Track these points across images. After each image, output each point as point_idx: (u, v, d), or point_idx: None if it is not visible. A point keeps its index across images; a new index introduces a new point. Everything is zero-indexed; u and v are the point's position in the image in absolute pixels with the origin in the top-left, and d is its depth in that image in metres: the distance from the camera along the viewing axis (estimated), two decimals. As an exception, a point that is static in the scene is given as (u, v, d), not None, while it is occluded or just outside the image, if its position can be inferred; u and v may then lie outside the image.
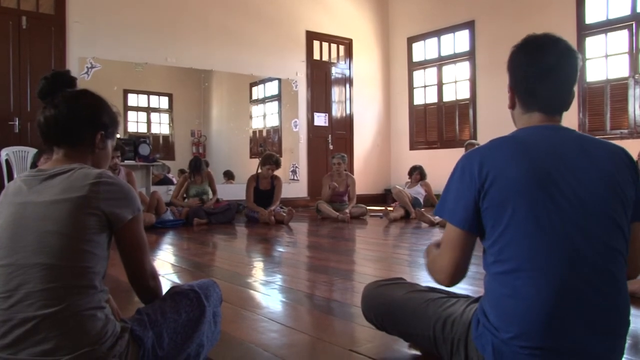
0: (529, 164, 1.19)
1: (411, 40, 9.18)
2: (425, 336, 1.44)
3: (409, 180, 7.12)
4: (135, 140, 6.71)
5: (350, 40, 9.13)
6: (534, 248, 1.15)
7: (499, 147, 1.26)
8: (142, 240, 1.31)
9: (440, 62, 8.76)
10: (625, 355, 1.56)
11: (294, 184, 8.43)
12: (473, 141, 7.00)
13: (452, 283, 1.32)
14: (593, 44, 6.90)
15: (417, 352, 1.68)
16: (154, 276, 1.37)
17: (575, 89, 1.33)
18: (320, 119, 8.82)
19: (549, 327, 1.13)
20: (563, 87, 1.29)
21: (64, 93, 1.31)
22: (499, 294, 1.20)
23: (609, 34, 6.74)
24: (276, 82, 8.41)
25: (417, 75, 9.17)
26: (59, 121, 1.29)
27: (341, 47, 9.13)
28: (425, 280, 2.30)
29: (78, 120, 1.31)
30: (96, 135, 1.34)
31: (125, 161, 6.15)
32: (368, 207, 6.93)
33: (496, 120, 7.70)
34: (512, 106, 1.38)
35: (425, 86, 9.04)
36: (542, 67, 1.28)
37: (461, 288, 2.31)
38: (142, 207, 1.32)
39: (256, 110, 8.63)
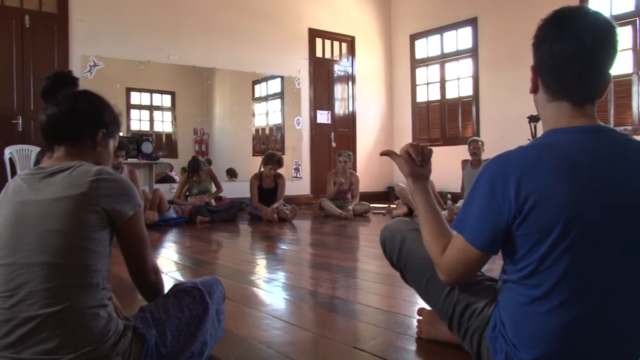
0: (577, 182, 1.03)
1: (414, 37, 9.16)
2: (444, 310, 1.39)
3: (412, 177, 7.10)
4: (138, 138, 6.72)
5: (353, 38, 9.12)
6: (574, 279, 1.04)
7: (539, 160, 1.05)
8: (144, 235, 1.31)
9: (442, 59, 8.74)
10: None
11: (297, 181, 8.43)
12: (476, 138, 6.98)
13: (453, 283, 1.30)
14: (597, 40, 6.86)
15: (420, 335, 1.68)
16: (156, 271, 1.38)
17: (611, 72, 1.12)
18: (323, 117, 8.81)
19: (570, 355, 1.07)
20: (597, 71, 1.09)
21: (66, 92, 1.32)
22: (521, 312, 1.11)
23: (612, 30, 6.70)
24: (279, 79, 8.41)
25: (420, 72, 9.15)
26: (61, 118, 1.31)
27: (344, 45, 9.11)
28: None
29: (79, 118, 1.32)
30: (97, 133, 1.35)
31: (128, 159, 6.17)
32: (371, 205, 6.93)
33: (499, 117, 7.70)
34: (534, 90, 1.17)
35: (428, 83, 9.03)
36: (574, 45, 1.06)
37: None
38: (142, 203, 1.32)
39: (259, 108, 8.63)
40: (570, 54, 1.07)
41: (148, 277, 1.35)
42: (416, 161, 1.44)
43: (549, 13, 1.12)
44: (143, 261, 1.32)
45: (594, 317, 1.05)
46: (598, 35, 1.07)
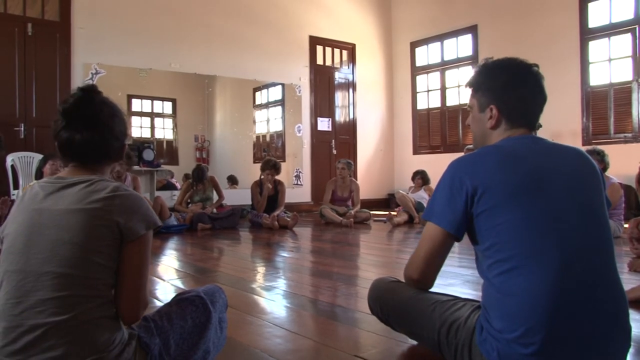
0: (519, 167, 1.27)
1: (414, 44, 9.20)
2: (430, 338, 1.46)
3: (413, 184, 7.12)
4: (140, 145, 6.74)
5: (354, 45, 9.16)
6: (532, 244, 1.21)
7: (488, 155, 1.33)
8: (148, 259, 1.25)
9: (443, 66, 8.77)
10: (630, 361, 1.56)
11: (298, 188, 8.44)
12: (470, 146, 6.99)
13: (420, 279, 1.43)
14: (596, 48, 6.90)
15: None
16: (146, 305, 1.27)
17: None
18: (324, 124, 8.83)
19: (552, 320, 1.16)
20: (543, 104, 1.41)
21: (93, 109, 1.26)
22: (500, 294, 1.23)
23: (612, 37, 6.74)
24: (279, 87, 8.44)
25: (420, 79, 9.18)
26: (97, 144, 1.27)
27: (344, 52, 9.15)
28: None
29: (113, 141, 1.30)
30: (124, 147, 1.35)
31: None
32: (372, 212, 6.93)
33: (499, 124, 7.70)
34: (495, 126, 1.42)
35: (428, 90, 9.06)
36: (535, 88, 1.39)
37: (466, 293, 2.31)
38: (159, 222, 1.27)
39: (259, 115, 8.66)
40: (533, 95, 1.39)
41: (137, 306, 1.24)
42: None
43: (490, 63, 1.47)
44: (141, 285, 1.23)
45: (566, 287, 1.18)
46: (540, 79, 1.40)
